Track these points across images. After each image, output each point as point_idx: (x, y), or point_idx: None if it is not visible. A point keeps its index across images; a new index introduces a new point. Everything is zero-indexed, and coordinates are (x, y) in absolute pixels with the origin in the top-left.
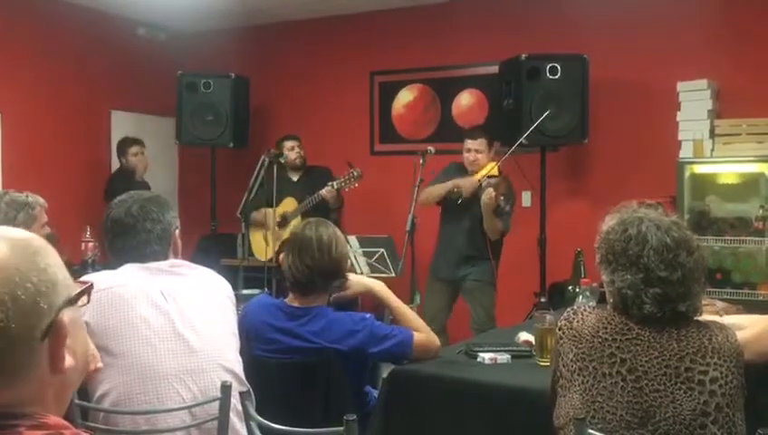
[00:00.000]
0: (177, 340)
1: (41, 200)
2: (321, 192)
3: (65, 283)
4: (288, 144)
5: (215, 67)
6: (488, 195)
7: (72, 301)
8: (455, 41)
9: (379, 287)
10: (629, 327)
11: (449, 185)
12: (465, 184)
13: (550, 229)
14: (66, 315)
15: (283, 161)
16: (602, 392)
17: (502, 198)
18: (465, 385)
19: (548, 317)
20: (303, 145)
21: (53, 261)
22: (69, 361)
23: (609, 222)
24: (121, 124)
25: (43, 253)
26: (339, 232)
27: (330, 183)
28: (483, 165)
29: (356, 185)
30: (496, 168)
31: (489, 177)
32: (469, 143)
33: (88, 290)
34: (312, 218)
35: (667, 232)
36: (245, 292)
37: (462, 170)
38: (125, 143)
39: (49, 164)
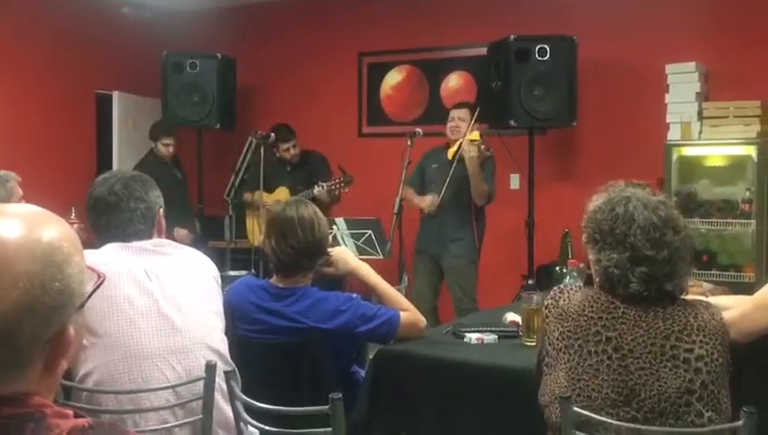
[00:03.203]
0: (161, 319)
1: (12, 174)
2: (312, 191)
3: (81, 289)
4: (283, 146)
5: (200, 47)
6: (472, 150)
7: (81, 305)
8: (443, 22)
9: (364, 268)
10: (616, 306)
11: (419, 204)
12: (425, 202)
13: (538, 212)
14: (73, 325)
15: (272, 142)
16: (588, 370)
17: (483, 147)
18: (451, 365)
19: (535, 298)
20: (296, 133)
21: (76, 267)
22: (63, 365)
23: (596, 201)
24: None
25: (68, 261)
26: (318, 210)
27: (321, 184)
28: (464, 134)
29: (346, 190)
30: (477, 134)
31: (471, 141)
32: (453, 112)
33: (99, 286)
34: (290, 198)
35: (654, 211)
36: (232, 273)
37: (442, 152)
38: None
39: (34, 145)
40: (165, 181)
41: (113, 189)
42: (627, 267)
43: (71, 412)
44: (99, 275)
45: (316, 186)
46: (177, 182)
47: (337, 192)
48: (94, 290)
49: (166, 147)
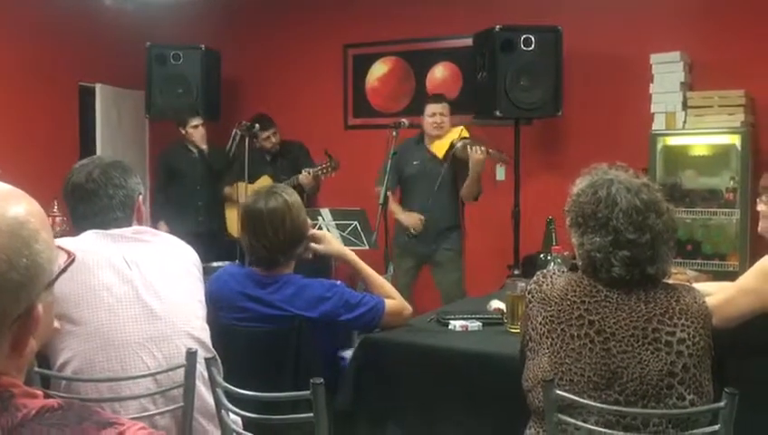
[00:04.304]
0: (141, 307)
1: None
2: (298, 177)
3: (49, 267)
4: (263, 135)
5: (184, 39)
6: (478, 152)
7: (50, 284)
8: (429, 13)
9: (351, 253)
10: (598, 289)
11: (405, 222)
12: (411, 222)
13: (524, 202)
14: (41, 303)
15: (255, 132)
16: (570, 354)
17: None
18: (436, 352)
19: (519, 284)
20: (277, 124)
21: (44, 243)
22: (31, 345)
23: (579, 184)
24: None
25: (35, 236)
26: (292, 197)
27: (306, 169)
28: (447, 129)
29: (333, 175)
30: (465, 130)
31: (462, 138)
32: (433, 107)
33: (69, 265)
34: (264, 187)
35: (637, 194)
36: (215, 264)
37: (418, 144)
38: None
39: (16, 138)
40: (185, 170)
41: (91, 176)
42: (609, 251)
43: (40, 393)
44: (68, 254)
45: (302, 171)
46: (196, 174)
47: (323, 177)
48: (64, 269)
49: (195, 129)
